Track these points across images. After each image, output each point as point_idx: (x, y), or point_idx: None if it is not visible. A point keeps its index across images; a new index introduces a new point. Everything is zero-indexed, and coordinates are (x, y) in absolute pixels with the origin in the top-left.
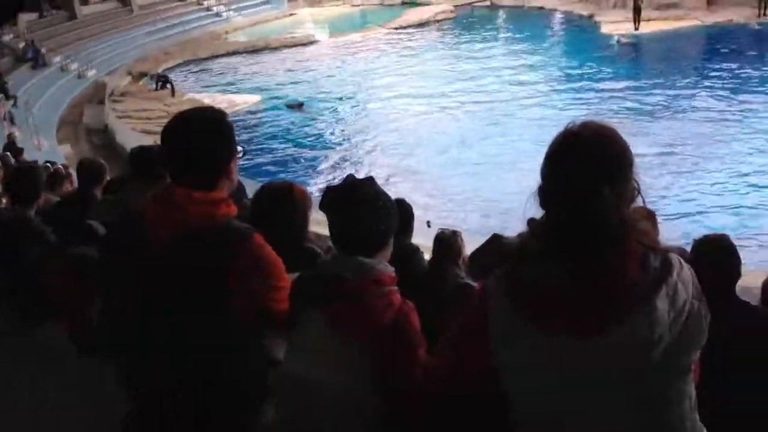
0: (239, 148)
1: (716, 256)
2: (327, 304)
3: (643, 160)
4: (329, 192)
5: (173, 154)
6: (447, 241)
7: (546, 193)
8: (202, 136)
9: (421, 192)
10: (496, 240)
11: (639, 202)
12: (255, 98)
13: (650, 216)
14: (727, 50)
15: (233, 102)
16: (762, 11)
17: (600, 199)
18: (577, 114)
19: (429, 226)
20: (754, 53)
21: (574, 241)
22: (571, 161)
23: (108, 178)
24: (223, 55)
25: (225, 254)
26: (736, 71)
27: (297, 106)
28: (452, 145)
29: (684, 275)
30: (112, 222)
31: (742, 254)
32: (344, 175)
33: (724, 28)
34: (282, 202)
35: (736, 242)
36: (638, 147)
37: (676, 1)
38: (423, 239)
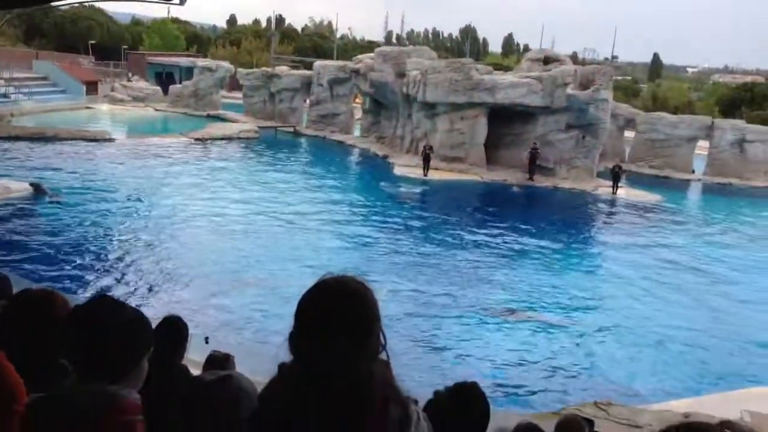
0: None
1: (465, 403)
2: None
3: (421, 296)
4: (75, 311)
5: None
6: (218, 363)
7: (295, 341)
8: None
9: (202, 305)
10: None
11: (384, 356)
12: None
13: (387, 367)
14: (497, 203)
15: (8, 188)
16: (529, 175)
17: (344, 353)
18: (362, 242)
19: (207, 342)
20: (516, 208)
21: (318, 391)
22: (318, 314)
23: None
24: (4, 138)
25: None
26: (502, 221)
27: (47, 193)
28: (235, 259)
29: (421, 427)
30: None
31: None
32: (106, 287)
33: (499, 185)
34: (38, 312)
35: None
36: (417, 284)
37: (461, 156)
38: (200, 356)
